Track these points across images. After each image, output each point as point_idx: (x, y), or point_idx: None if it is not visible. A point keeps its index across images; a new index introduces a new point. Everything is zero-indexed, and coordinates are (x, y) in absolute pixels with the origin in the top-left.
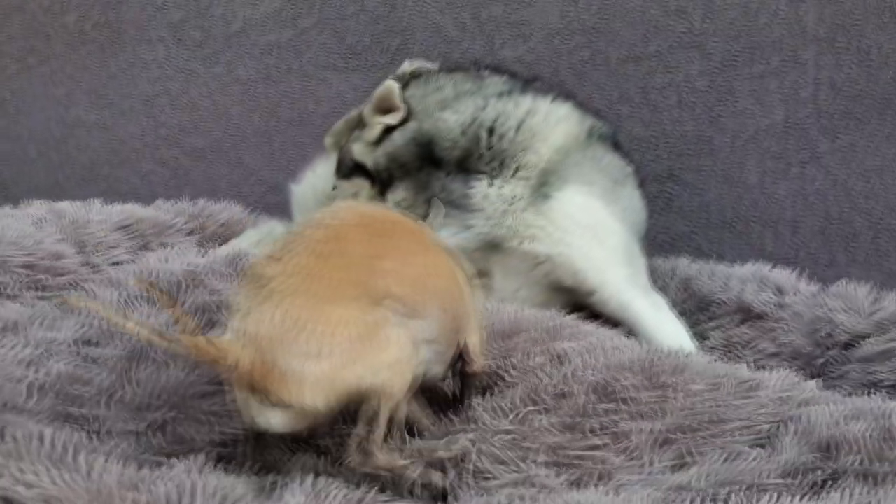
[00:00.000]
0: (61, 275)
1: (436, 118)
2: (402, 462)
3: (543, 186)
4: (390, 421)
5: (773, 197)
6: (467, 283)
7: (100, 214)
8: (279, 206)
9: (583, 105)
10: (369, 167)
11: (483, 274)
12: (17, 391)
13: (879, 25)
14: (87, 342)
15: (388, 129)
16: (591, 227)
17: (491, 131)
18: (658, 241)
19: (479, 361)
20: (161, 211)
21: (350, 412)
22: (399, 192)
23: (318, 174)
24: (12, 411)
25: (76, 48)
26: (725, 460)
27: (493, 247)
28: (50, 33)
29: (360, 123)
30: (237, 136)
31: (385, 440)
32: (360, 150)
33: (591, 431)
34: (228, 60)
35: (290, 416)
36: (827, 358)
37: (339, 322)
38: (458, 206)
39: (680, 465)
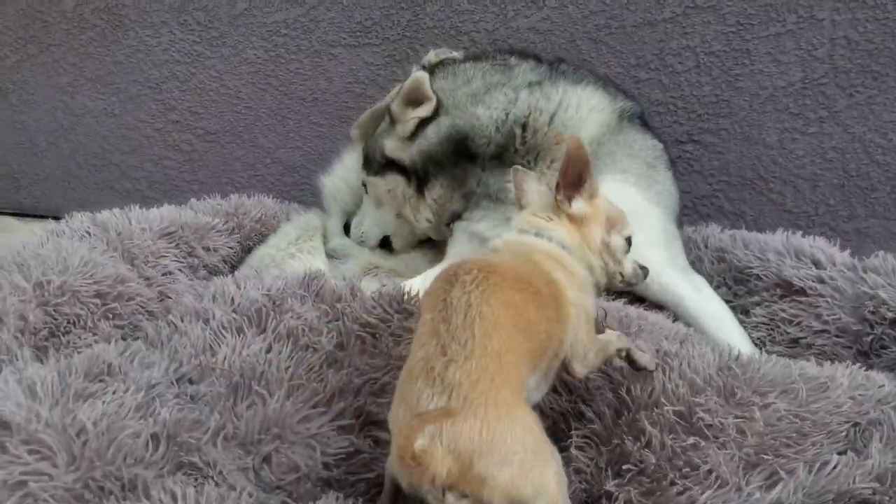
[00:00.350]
0: (131, 299)
1: (469, 114)
2: None
3: None
4: None
5: (793, 154)
6: (568, 304)
7: (141, 222)
8: (298, 186)
9: (610, 84)
10: (405, 163)
11: None
12: (137, 444)
13: None
14: (185, 380)
15: (421, 123)
16: (628, 213)
17: (524, 127)
18: (681, 203)
19: (578, 374)
20: (198, 212)
21: None
22: (436, 189)
23: (348, 166)
24: (138, 465)
25: (76, 35)
26: (814, 471)
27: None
28: (48, 20)
29: (387, 117)
30: (250, 118)
31: None
32: (393, 147)
33: (679, 477)
34: (235, 42)
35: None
36: (875, 335)
37: (522, 431)
38: (496, 199)
39: (770, 484)
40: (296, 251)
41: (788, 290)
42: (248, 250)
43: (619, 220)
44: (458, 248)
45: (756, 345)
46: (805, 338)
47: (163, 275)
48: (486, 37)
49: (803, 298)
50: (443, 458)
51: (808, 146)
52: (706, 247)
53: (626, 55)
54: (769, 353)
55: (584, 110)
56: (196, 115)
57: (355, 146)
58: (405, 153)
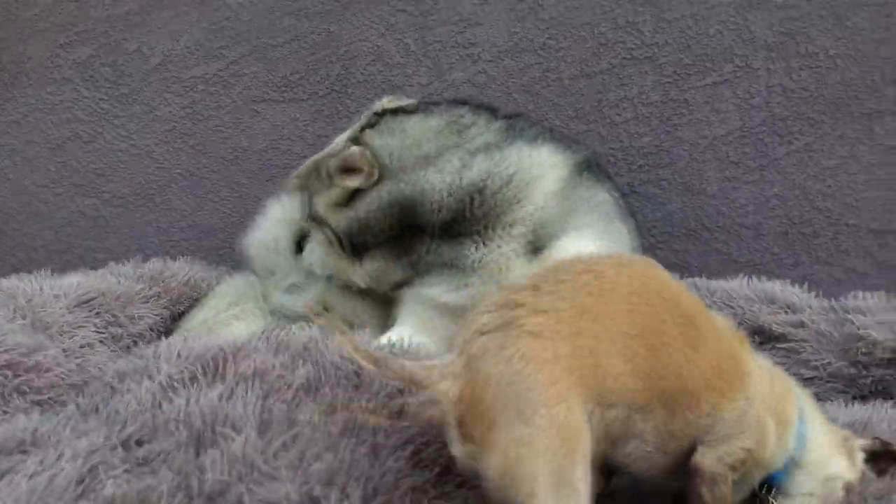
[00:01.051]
0: (48, 370)
1: (417, 178)
2: None
3: (539, 240)
4: None
5: (734, 203)
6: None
7: (54, 289)
8: (216, 251)
9: (564, 138)
10: (335, 229)
11: None
12: None
13: (825, 30)
14: (132, 442)
15: (358, 190)
16: None
17: (481, 191)
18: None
19: (703, 463)
20: (119, 277)
21: None
22: (376, 261)
23: (276, 218)
24: None
25: None
26: None
27: None
28: None
29: (323, 172)
30: (163, 179)
31: None
32: (324, 208)
33: None
34: (147, 98)
35: (476, 460)
36: (874, 377)
37: (560, 412)
38: (452, 265)
39: None
40: (239, 312)
41: (767, 336)
42: (177, 316)
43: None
44: (412, 312)
45: None
46: None
47: (81, 346)
48: (419, 91)
49: (784, 345)
50: (455, 383)
51: (749, 194)
52: None
53: (564, 107)
54: None
55: (542, 168)
56: (102, 177)
57: (291, 195)
58: (335, 218)
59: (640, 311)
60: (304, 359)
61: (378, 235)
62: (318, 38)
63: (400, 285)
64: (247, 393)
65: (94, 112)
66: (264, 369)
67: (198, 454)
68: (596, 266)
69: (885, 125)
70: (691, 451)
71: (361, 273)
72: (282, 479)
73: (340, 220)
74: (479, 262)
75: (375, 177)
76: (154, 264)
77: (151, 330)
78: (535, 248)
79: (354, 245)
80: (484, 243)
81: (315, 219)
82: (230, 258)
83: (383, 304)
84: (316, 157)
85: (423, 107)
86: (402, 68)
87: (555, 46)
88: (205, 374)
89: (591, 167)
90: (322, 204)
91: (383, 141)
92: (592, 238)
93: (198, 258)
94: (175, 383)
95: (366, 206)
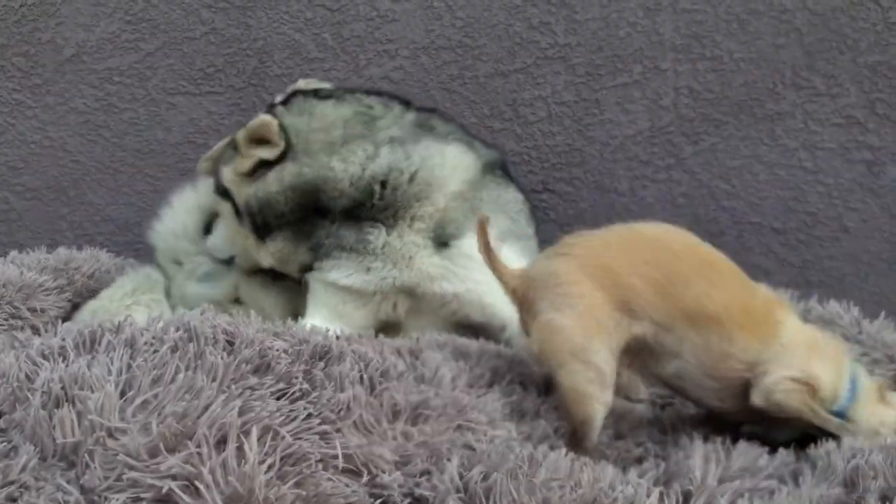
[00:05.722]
0: None
1: (321, 164)
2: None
3: (442, 236)
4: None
5: (644, 202)
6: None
7: None
8: (132, 246)
9: (473, 139)
10: (237, 203)
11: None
12: None
13: (729, 33)
14: None
15: (263, 163)
16: None
17: (384, 184)
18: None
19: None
20: (22, 268)
21: None
22: (278, 243)
23: (180, 209)
24: None
25: None
26: None
27: (402, 291)
28: None
29: (234, 144)
30: (77, 172)
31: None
32: (229, 178)
33: None
34: (61, 90)
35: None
36: None
37: (583, 294)
38: (353, 249)
39: None
40: (132, 303)
41: None
42: (79, 308)
43: None
44: (319, 300)
45: None
46: None
47: None
48: (337, 86)
49: None
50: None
51: (658, 193)
52: None
53: (480, 105)
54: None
55: (447, 169)
56: (14, 169)
57: (202, 178)
58: (239, 191)
59: (658, 250)
60: (176, 327)
61: (279, 218)
62: (235, 31)
63: (306, 268)
64: (112, 360)
65: (6, 103)
66: (134, 338)
67: (52, 417)
68: (625, 225)
69: (786, 126)
70: (742, 388)
71: (265, 253)
72: (133, 433)
73: (245, 193)
74: (383, 247)
75: (282, 147)
76: (59, 255)
77: (53, 323)
78: (440, 241)
79: (257, 224)
80: (387, 231)
81: (221, 190)
82: (145, 253)
83: (293, 294)
84: (224, 141)
85: (338, 94)
86: (319, 63)
87: (471, 45)
88: (76, 347)
89: (497, 166)
90: (228, 173)
91: (292, 120)
92: (494, 236)
93: (105, 250)
94: (44, 359)
95: (266, 186)
